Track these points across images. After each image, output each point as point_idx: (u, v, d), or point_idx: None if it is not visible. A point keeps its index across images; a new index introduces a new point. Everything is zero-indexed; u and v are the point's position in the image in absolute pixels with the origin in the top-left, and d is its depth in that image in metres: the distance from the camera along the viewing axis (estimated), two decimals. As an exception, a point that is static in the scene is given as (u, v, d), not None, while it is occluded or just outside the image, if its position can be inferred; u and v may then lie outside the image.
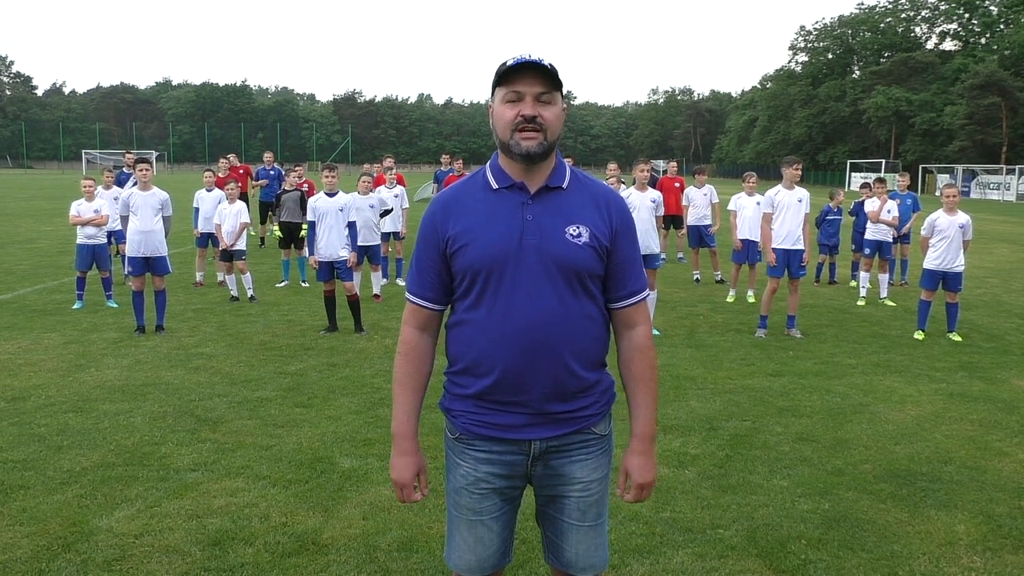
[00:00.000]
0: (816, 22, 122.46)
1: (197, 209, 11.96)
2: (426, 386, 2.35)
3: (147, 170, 8.75)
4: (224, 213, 11.00)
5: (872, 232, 11.38)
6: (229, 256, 10.90)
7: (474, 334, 2.21)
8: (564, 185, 2.23)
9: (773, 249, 8.90)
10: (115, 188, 11.22)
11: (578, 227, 2.18)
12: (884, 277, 11.40)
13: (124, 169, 14.50)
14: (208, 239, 11.97)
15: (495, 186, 2.22)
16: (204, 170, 12.99)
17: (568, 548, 2.32)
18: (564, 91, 2.25)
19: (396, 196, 12.11)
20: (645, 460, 2.30)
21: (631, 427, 2.31)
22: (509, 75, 2.13)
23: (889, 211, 11.26)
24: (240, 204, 11.20)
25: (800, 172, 8.87)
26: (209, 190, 12.00)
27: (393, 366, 2.36)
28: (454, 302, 2.29)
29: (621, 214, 2.26)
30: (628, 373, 2.31)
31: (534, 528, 3.81)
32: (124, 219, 8.72)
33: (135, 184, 8.85)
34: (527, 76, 2.12)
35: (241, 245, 10.96)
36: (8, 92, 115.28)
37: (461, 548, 2.33)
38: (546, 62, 2.14)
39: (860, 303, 11.11)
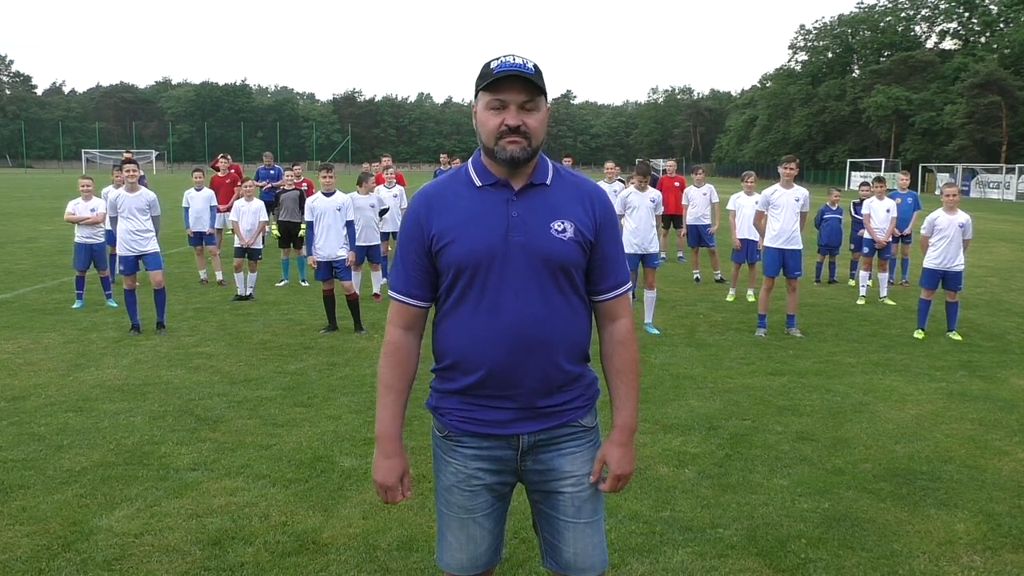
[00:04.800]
0: (816, 21, 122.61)
1: (187, 208, 11.96)
2: (410, 387, 2.34)
3: (134, 171, 8.75)
4: (242, 211, 10.98)
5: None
6: (243, 252, 10.86)
7: (461, 331, 2.21)
8: (547, 181, 2.24)
9: (766, 247, 8.92)
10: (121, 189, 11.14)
11: (563, 222, 2.19)
12: (884, 276, 11.40)
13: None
14: (200, 237, 11.99)
15: (479, 183, 2.23)
16: (193, 169, 13.02)
17: (566, 548, 2.32)
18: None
19: (395, 196, 12.12)
20: (624, 451, 2.30)
21: (612, 419, 2.32)
22: (493, 82, 2.13)
23: (889, 211, 11.25)
24: (259, 202, 11.24)
25: (793, 171, 8.85)
26: (198, 189, 12.02)
27: (378, 368, 2.35)
28: (439, 298, 2.29)
29: (604, 208, 2.27)
30: (610, 366, 2.31)
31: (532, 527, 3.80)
32: (113, 220, 8.73)
33: (138, 182, 8.85)
34: (511, 84, 2.13)
35: (259, 244, 10.98)
36: (8, 91, 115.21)
37: (453, 547, 2.34)
38: (529, 66, 2.14)
39: (860, 302, 11.11)
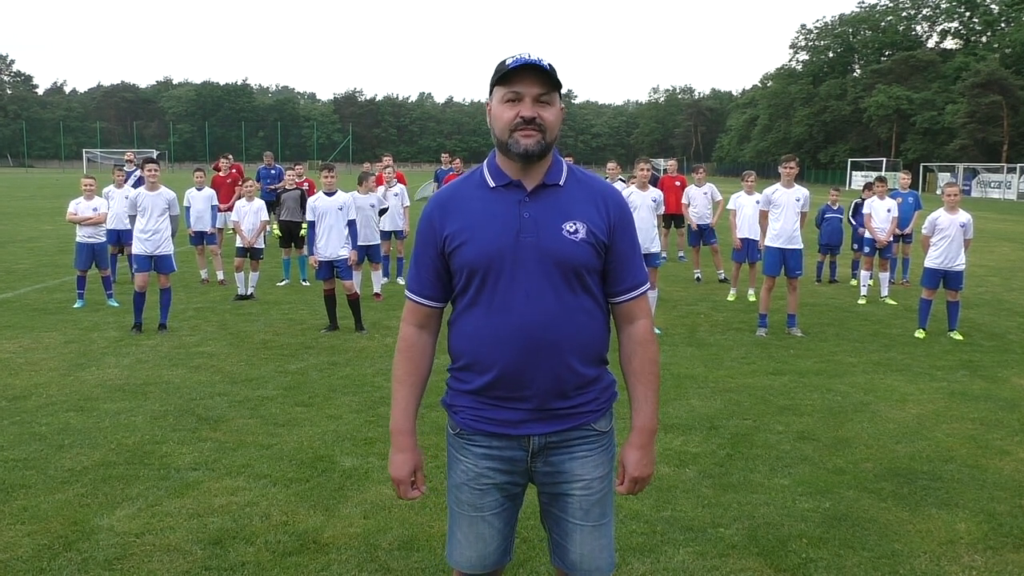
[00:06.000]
0: (817, 20, 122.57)
1: (188, 208, 11.98)
2: (425, 384, 2.36)
3: (155, 171, 8.79)
4: (243, 211, 11.02)
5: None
6: (245, 252, 10.88)
7: (473, 331, 2.22)
8: (561, 182, 2.23)
9: (767, 247, 8.92)
10: (127, 187, 11.11)
11: (575, 223, 2.18)
12: (885, 276, 11.40)
13: (126, 168, 14.51)
14: (202, 237, 12.02)
15: (492, 184, 2.23)
16: (195, 169, 13.05)
17: (573, 549, 2.32)
18: (564, 90, 2.26)
19: (396, 195, 12.11)
20: (643, 454, 2.29)
21: (631, 421, 2.31)
22: (508, 75, 2.13)
23: (889, 210, 11.24)
24: (259, 202, 11.35)
25: (793, 170, 8.84)
26: (199, 189, 12.04)
27: (392, 364, 2.36)
28: (454, 299, 2.30)
29: (619, 209, 2.26)
30: (629, 367, 2.30)
31: (534, 527, 3.81)
32: (132, 218, 8.79)
33: (137, 183, 8.90)
34: (526, 77, 2.13)
35: (260, 243, 11.00)
36: (9, 91, 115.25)
37: (462, 545, 2.33)
38: (545, 62, 2.14)
39: (861, 302, 11.10)
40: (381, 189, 11.76)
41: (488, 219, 2.18)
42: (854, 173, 62.14)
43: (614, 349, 2.33)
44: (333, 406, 6.12)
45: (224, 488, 4.56)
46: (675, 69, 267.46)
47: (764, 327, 8.96)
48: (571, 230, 2.17)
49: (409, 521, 4.16)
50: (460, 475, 2.32)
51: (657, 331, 8.89)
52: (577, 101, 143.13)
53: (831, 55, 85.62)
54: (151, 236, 8.59)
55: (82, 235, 9.88)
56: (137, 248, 8.66)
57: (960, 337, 8.84)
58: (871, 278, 11.62)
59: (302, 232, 11.83)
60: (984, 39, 73.55)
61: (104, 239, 10.13)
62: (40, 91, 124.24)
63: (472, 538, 2.32)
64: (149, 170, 8.77)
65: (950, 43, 77.56)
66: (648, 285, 2.34)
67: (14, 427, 5.56)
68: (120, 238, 10.83)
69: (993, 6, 72.31)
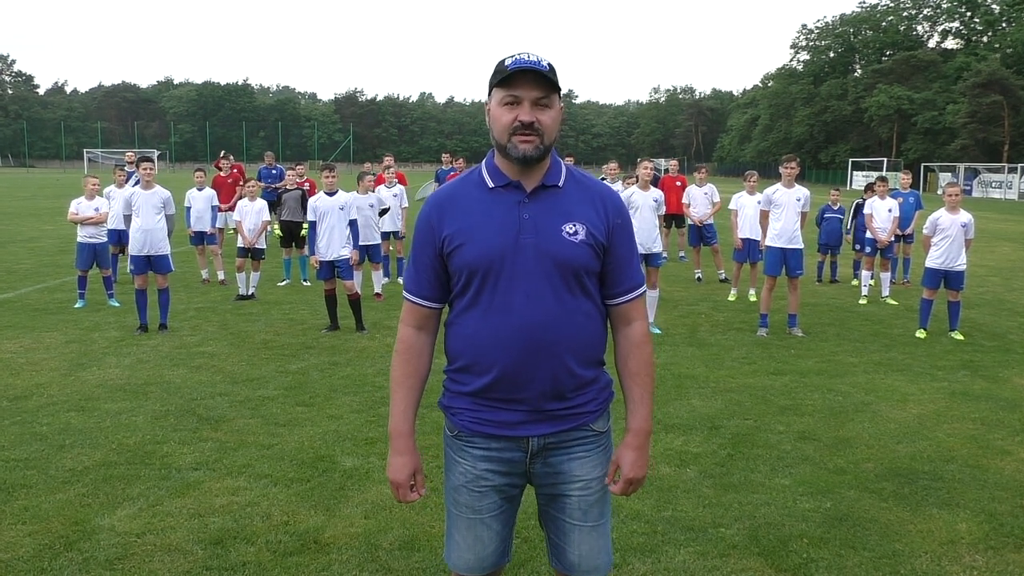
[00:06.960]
0: (818, 20, 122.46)
1: (188, 208, 11.99)
2: (424, 385, 2.35)
3: (150, 169, 8.78)
4: (245, 210, 11.03)
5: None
6: (246, 252, 10.88)
7: (472, 332, 2.21)
8: (560, 183, 2.23)
9: (768, 247, 8.92)
10: (128, 187, 11.12)
11: (575, 225, 2.18)
12: (886, 276, 11.40)
13: (127, 168, 14.51)
14: (202, 237, 12.02)
15: (491, 185, 2.22)
16: (195, 169, 13.05)
17: (571, 550, 2.31)
18: (564, 90, 2.26)
19: (395, 195, 12.12)
20: (638, 455, 2.29)
21: (627, 422, 2.31)
22: (507, 78, 2.12)
23: (891, 210, 11.24)
24: (262, 202, 11.37)
25: (794, 170, 8.84)
26: (200, 189, 12.04)
27: (391, 365, 2.36)
28: (452, 300, 2.29)
29: (617, 211, 2.26)
30: (625, 369, 2.31)
31: (535, 527, 3.80)
32: (127, 218, 8.78)
33: (137, 183, 8.90)
34: (525, 80, 2.12)
35: (262, 244, 11.00)
36: (10, 91, 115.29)
37: (460, 547, 2.33)
38: (544, 63, 2.13)
39: (862, 302, 11.10)
40: (380, 188, 11.76)
41: (487, 220, 2.18)
42: (855, 173, 62.11)
43: (609, 351, 2.33)
44: (334, 406, 6.12)
45: (225, 488, 4.56)
46: (676, 69, 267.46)
47: (765, 327, 8.96)
48: (571, 231, 2.17)
49: (410, 521, 4.16)
50: (458, 477, 2.32)
51: (658, 331, 8.89)
52: (578, 101, 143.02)
53: (832, 55, 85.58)
54: (147, 236, 8.58)
55: (83, 235, 9.89)
56: (132, 248, 8.67)
57: (961, 337, 8.84)
58: (872, 278, 11.62)
59: (303, 232, 11.83)
60: (985, 39, 73.53)
61: (105, 239, 10.14)
62: (41, 91, 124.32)
63: (470, 540, 2.31)
64: (144, 168, 8.78)
65: (951, 43, 77.61)
66: (644, 287, 2.35)
67: (15, 427, 5.56)
68: (121, 238, 10.83)
69: (994, 6, 72.28)
